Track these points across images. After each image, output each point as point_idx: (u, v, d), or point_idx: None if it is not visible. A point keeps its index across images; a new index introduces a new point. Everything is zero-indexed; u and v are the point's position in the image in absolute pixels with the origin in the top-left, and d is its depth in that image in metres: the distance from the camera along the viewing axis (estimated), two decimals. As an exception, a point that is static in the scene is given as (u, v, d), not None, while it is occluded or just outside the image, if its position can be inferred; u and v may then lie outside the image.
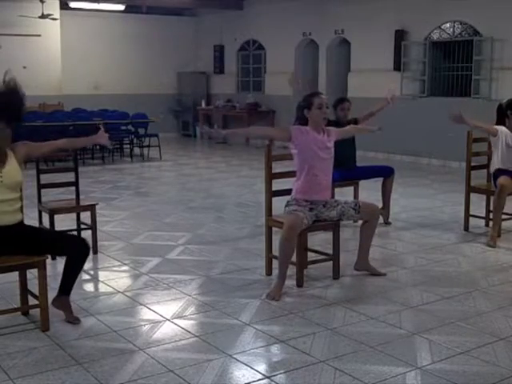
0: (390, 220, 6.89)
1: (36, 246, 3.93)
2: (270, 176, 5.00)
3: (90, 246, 5.14)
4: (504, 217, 6.37)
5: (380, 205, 6.44)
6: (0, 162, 3.86)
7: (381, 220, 6.87)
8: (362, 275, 5.05)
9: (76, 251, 3.99)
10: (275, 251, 4.90)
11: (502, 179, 5.99)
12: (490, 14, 10.96)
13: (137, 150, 13.08)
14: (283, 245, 4.57)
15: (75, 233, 5.91)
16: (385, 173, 6.90)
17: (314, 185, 4.78)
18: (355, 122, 6.69)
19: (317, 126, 4.80)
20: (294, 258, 4.72)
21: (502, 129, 6.10)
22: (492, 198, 6.24)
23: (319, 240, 5.87)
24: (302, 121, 4.83)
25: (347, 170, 6.63)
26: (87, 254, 4.04)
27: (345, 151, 6.02)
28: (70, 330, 3.96)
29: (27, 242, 3.92)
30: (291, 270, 4.74)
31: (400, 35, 12.36)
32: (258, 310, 4.31)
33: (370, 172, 7.04)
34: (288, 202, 4.85)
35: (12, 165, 3.91)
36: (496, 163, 6.15)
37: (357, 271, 5.08)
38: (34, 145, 4.14)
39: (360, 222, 5.12)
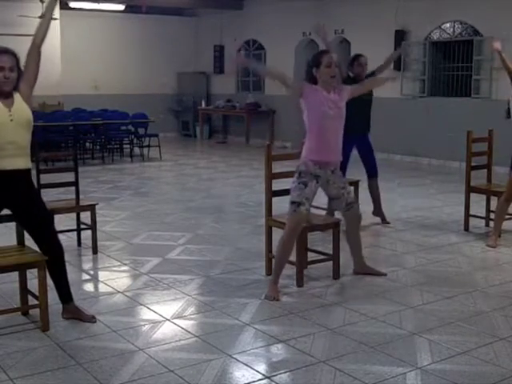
0: (387, 219, 6.87)
1: (27, 215, 3.91)
2: (270, 176, 4.99)
3: (90, 246, 5.14)
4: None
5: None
6: (8, 102, 3.83)
7: (380, 220, 6.89)
8: (362, 275, 5.05)
9: (52, 252, 3.96)
10: (275, 251, 4.90)
11: None
12: (490, 13, 10.96)
13: (137, 150, 13.06)
14: (284, 245, 4.57)
15: (75, 233, 5.94)
16: (372, 171, 6.80)
17: (324, 144, 4.66)
18: (372, 75, 6.51)
19: (326, 85, 4.67)
20: (294, 258, 4.73)
21: None
22: (491, 198, 6.20)
23: (319, 240, 5.87)
24: (312, 80, 4.71)
25: (358, 139, 6.47)
26: (62, 256, 4.02)
27: (357, 114, 5.79)
28: (70, 330, 3.96)
29: (27, 199, 3.88)
30: (291, 270, 4.75)
31: (400, 35, 12.36)
32: (258, 310, 4.31)
33: (368, 158, 6.82)
34: (298, 167, 4.68)
35: (20, 103, 3.89)
36: None
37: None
38: (25, 73, 4.13)
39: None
